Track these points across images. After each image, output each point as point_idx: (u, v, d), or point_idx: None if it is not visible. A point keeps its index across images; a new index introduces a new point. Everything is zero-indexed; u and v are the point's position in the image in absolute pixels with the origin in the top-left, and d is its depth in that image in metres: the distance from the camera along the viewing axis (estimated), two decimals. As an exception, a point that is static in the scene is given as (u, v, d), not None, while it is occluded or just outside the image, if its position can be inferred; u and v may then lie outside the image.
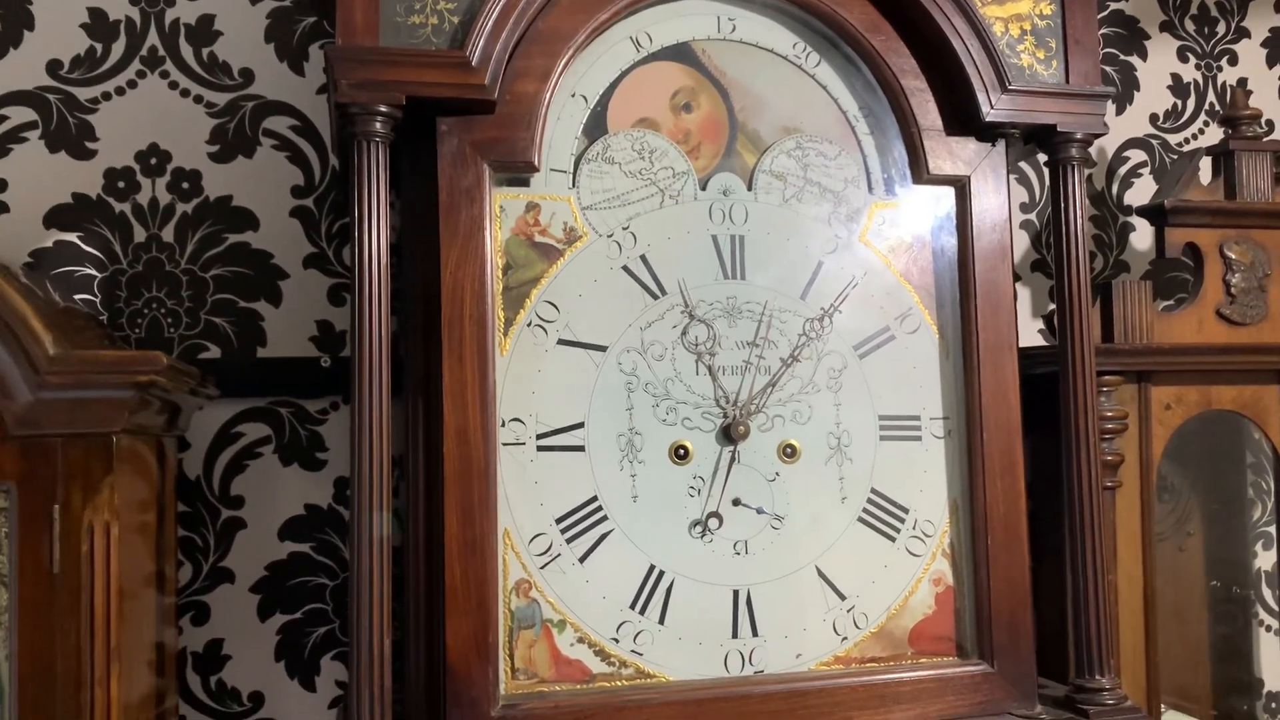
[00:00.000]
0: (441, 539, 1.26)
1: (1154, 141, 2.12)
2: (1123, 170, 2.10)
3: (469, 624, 1.25)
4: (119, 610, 1.19)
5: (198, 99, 1.69)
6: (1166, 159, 2.11)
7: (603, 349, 1.35)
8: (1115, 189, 2.09)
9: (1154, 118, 2.13)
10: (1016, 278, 1.49)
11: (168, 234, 1.66)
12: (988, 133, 1.46)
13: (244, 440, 1.67)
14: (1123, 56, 2.11)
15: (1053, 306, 1.99)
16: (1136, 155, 2.12)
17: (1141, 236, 2.09)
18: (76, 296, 1.62)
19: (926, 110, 1.45)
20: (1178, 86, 2.14)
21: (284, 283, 1.69)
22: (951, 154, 1.46)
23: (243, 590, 1.65)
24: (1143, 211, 1.87)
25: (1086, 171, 1.54)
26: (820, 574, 1.40)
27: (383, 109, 1.22)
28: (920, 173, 1.45)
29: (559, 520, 1.32)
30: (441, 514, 1.26)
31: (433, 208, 1.29)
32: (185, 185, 1.67)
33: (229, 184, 1.68)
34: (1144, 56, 2.12)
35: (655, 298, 1.37)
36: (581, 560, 1.32)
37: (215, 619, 1.64)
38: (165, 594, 1.49)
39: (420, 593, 1.31)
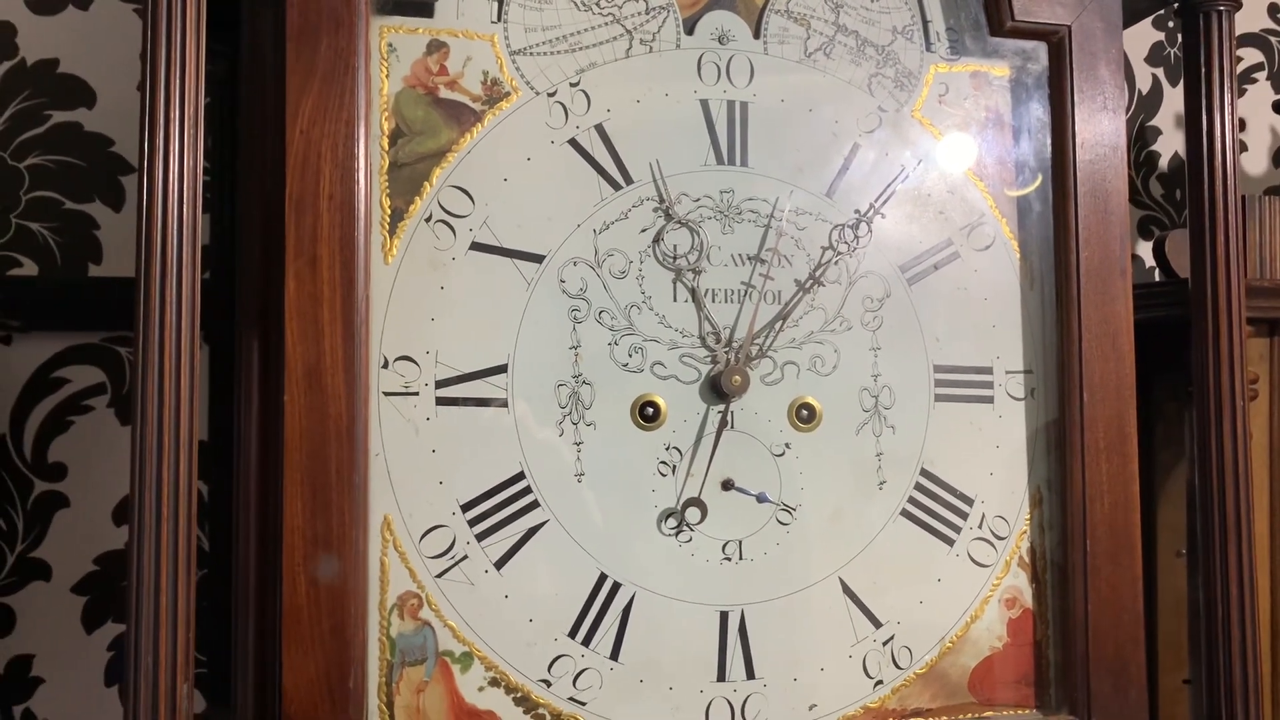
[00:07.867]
0: (280, 534, 0.91)
1: (1272, 39, 1.84)
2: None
3: (318, 659, 0.90)
4: None
5: (12, -76, 1.39)
6: (1288, 59, 1.84)
7: (538, 259, 1.03)
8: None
9: (1273, 9, 1.84)
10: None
11: (-33, 109, 1.36)
12: (1098, -37, 1.13)
13: (68, 389, 1.39)
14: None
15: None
16: (1251, 55, 1.84)
17: (1253, 159, 1.80)
18: None
19: (1012, -72, 1.11)
20: (1302, -31, 1.87)
21: (128, 178, 1.41)
22: (1047, -8, 1.13)
23: (62, 590, 1.38)
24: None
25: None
26: (846, 590, 1.10)
27: None
28: (1001, 19, 1.14)
29: (467, 506, 1.00)
30: (281, 498, 0.91)
31: (281, 48, 0.94)
32: (-8, 42, 1.38)
33: (55, 43, 1.39)
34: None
35: (617, 187, 1.06)
36: (499, 565, 1.00)
37: (24, 629, 1.36)
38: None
39: (250, 615, 0.96)
